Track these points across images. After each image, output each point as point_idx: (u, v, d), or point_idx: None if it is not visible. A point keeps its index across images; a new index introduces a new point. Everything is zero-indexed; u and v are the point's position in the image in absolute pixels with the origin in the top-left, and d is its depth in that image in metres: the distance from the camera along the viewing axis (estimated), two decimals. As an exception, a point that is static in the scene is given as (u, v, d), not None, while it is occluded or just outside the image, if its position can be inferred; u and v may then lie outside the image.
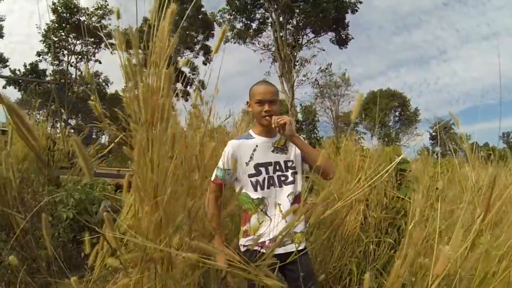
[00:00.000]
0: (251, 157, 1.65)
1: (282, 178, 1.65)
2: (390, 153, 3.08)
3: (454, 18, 60.40)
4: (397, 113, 35.26)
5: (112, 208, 3.48)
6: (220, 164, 1.66)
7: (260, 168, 1.64)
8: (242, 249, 1.61)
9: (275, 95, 1.66)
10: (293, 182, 1.66)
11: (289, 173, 1.67)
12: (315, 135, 19.47)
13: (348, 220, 2.79)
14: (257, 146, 1.66)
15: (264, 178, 1.63)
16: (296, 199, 1.65)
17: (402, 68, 65.26)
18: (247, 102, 1.74)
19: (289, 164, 1.69)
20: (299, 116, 21.60)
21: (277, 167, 1.66)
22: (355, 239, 2.80)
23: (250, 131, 1.75)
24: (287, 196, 1.63)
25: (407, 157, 3.47)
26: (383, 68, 69.46)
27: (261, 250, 1.53)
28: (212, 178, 1.65)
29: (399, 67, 67.58)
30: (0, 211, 2.29)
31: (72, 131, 3.76)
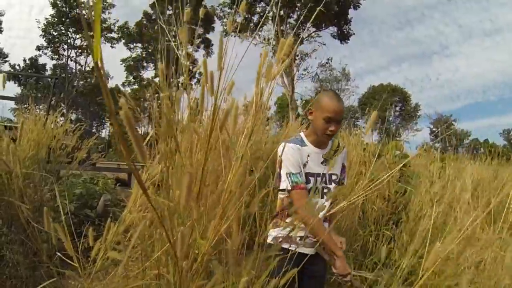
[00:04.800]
0: (304, 165, 1.63)
1: (325, 190, 1.68)
2: (393, 148, 3.09)
3: (457, 14, 59.99)
4: (397, 108, 35.23)
5: (113, 202, 3.51)
6: (290, 169, 1.57)
7: (310, 178, 1.64)
8: (269, 240, 1.57)
9: (344, 114, 1.62)
10: None
11: (331, 186, 1.70)
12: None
13: (346, 214, 2.79)
14: (309, 155, 1.65)
15: (311, 188, 1.63)
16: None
17: (404, 63, 65.00)
18: (309, 109, 1.68)
19: (333, 177, 1.71)
20: (299, 110, 21.61)
21: (323, 179, 1.67)
22: (353, 233, 2.81)
23: (303, 137, 1.70)
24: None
25: (407, 152, 3.47)
26: (385, 63, 69.19)
27: (289, 248, 1.49)
28: (290, 187, 1.55)
29: (401, 62, 67.45)
30: (4, 203, 2.31)
31: (72, 125, 3.75)
